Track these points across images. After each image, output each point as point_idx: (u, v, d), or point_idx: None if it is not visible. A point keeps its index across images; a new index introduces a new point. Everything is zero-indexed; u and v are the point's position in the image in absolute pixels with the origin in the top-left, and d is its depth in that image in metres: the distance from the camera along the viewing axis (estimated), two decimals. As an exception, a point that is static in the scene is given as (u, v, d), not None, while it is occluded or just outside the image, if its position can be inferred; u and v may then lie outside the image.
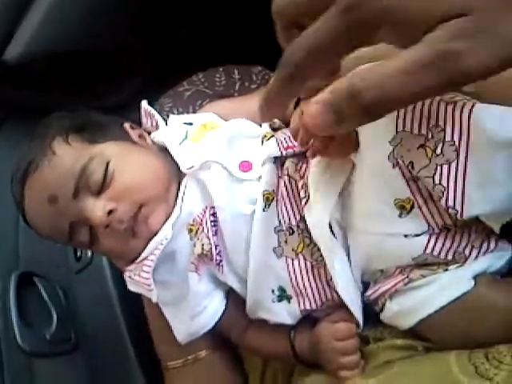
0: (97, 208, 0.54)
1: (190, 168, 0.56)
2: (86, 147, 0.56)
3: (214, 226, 0.55)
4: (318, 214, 0.51)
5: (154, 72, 0.91)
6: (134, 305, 0.69)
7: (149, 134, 0.63)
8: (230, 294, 0.61)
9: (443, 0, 0.27)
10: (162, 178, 0.57)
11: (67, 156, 0.55)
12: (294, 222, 0.54)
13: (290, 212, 0.54)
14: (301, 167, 0.55)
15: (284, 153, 0.55)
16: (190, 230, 0.56)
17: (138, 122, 0.65)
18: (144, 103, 0.64)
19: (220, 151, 0.56)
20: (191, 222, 0.56)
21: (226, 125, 0.60)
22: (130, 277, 0.59)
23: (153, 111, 0.63)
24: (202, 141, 0.58)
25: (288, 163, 0.55)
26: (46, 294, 0.77)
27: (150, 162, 0.58)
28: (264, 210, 0.54)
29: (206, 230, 0.55)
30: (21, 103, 0.89)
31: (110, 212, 0.54)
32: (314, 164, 0.52)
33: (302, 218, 0.53)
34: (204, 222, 0.55)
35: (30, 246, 0.82)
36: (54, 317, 0.76)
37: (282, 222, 0.54)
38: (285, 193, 0.54)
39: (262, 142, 0.57)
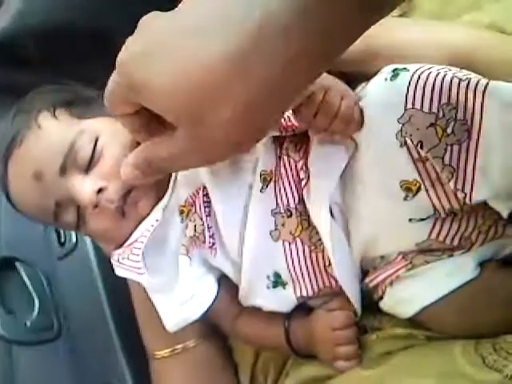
0: (86, 186, 0.51)
1: None
2: (74, 122, 0.54)
3: (208, 206, 0.53)
4: (318, 197, 0.49)
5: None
6: (121, 292, 0.67)
7: None
8: (222, 279, 0.58)
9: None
10: None
11: (54, 130, 0.53)
12: (292, 204, 0.52)
13: (289, 193, 0.52)
14: (300, 147, 0.52)
15: (283, 132, 0.52)
16: (182, 212, 0.54)
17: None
18: None
19: None
20: (183, 203, 0.54)
21: None
22: (118, 260, 0.56)
23: None
24: None
25: (287, 143, 0.53)
26: (28, 280, 0.74)
27: None
28: (261, 191, 0.52)
29: (198, 211, 0.52)
30: (6, 82, 0.85)
31: (100, 191, 0.51)
32: (315, 145, 0.50)
33: (301, 200, 0.51)
34: (197, 203, 0.53)
35: (11, 229, 0.79)
36: (36, 304, 0.73)
37: (280, 203, 0.52)
38: (284, 173, 0.52)
39: None
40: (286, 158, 0.52)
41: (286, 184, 0.52)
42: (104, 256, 0.66)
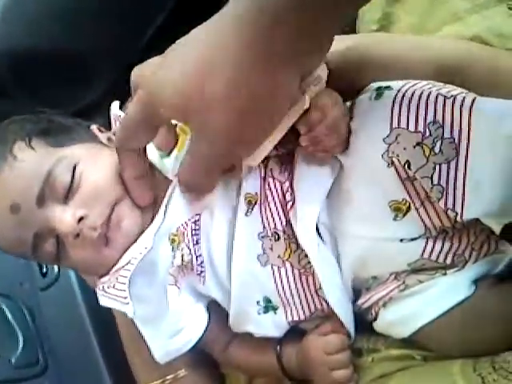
0: (66, 215, 0.49)
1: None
2: (50, 151, 0.52)
3: (196, 234, 0.51)
4: (305, 220, 0.48)
5: (122, 73, 0.87)
6: (107, 322, 0.65)
7: None
8: (211, 306, 0.56)
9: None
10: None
11: (30, 160, 0.51)
12: (279, 227, 0.50)
13: (276, 216, 0.50)
14: (285, 168, 0.51)
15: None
16: (173, 241, 0.52)
17: (107, 127, 0.61)
18: (114, 106, 0.59)
19: None
20: (174, 231, 0.52)
21: None
22: (102, 289, 0.54)
23: (123, 114, 0.59)
24: (183, 149, 0.53)
25: (272, 164, 0.51)
26: (10, 315, 0.71)
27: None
28: (247, 215, 0.50)
29: (186, 240, 0.51)
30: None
31: (81, 219, 0.49)
32: (299, 165, 0.49)
33: (288, 223, 0.50)
34: (186, 232, 0.51)
35: (-9, 263, 0.76)
36: (20, 339, 0.71)
37: (267, 226, 0.50)
38: (269, 195, 0.50)
39: None
40: (271, 180, 0.51)
41: (272, 206, 0.50)
42: (89, 286, 0.64)
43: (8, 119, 0.57)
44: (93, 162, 0.52)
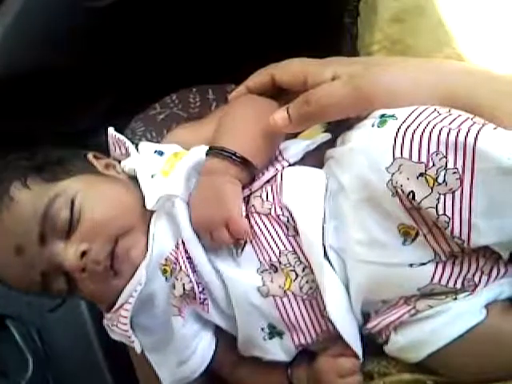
0: (68, 252, 0.49)
1: (154, 206, 0.51)
2: (46, 187, 0.52)
3: (191, 262, 0.51)
4: (309, 236, 0.48)
5: (122, 93, 0.87)
6: (115, 343, 0.64)
7: (119, 162, 0.59)
8: (219, 329, 0.56)
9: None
10: (134, 209, 0.52)
11: (27, 201, 0.51)
12: (274, 258, 0.50)
13: (268, 249, 0.50)
14: (267, 194, 0.51)
15: (242, 193, 0.51)
16: (165, 271, 0.52)
17: (107, 147, 0.61)
18: (111, 130, 0.59)
19: (182, 184, 0.52)
20: (163, 261, 0.52)
21: (188, 154, 0.56)
22: (109, 325, 0.55)
23: (122, 138, 0.58)
24: (171, 173, 0.54)
25: (252, 199, 0.51)
26: (20, 338, 0.71)
27: (120, 192, 0.54)
28: (237, 255, 0.50)
29: (183, 268, 0.50)
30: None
31: (84, 254, 0.49)
32: (285, 186, 0.50)
33: (282, 252, 0.50)
34: (180, 259, 0.51)
35: (-1, 285, 0.76)
36: (30, 361, 0.71)
37: (263, 261, 0.50)
38: (258, 231, 0.50)
39: None
40: (256, 216, 0.51)
41: (264, 241, 0.50)
42: (96, 306, 0.64)
43: (3, 158, 0.57)
44: (91, 195, 0.52)
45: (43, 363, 0.72)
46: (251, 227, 0.50)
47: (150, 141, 0.77)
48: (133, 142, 0.58)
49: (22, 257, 0.50)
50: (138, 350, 0.53)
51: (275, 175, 0.52)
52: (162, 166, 0.54)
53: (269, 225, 0.50)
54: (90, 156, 0.58)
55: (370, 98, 0.46)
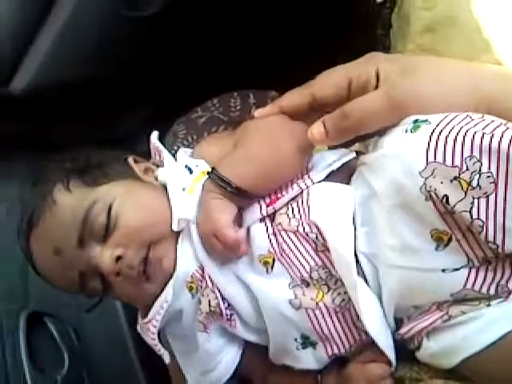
0: (104, 256, 0.52)
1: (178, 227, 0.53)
2: (87, 192, 0.54)
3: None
4: (340, 249, 0.48)
5: (165, 99, 0.89)
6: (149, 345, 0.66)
7: (157, 167, 0.60)
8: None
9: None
10: (167, 219, 0.54)
11: (68, 205, 0.53)
12: (305, 274, 0.50)
13: (299, 265, 0.51)
14: (293, 212, 0.51)
15: (266, 212, 0.51)
16: (191, 288, 0.53)
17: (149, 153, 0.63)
18: (153, 137, 0.60)
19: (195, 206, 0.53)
20: (189, 279, 0.53)
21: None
22: (141, 331, 0.57)
23: (160, 147, 0.60)
24: (196, 192, 0.54)
25: (278, 217, 0.52)
26: (57, 335, 0.74)
27: (155, 201, 0.55)
28: (268, 273, 0.51)
29: (210, 285, 0.52)
30: (25, 137, 0.87)
31: (119, 258, 0.51)
32: (312, 201, 0.50)
33: (313, 268, 0.50)
34: (206, 277, 0.52)
35: (39, 283, 0.79)
36: (66, 358, 0.73)
37: (295, 276, 0.51)
38: (287, 249, 0.51)
39: None
40: (283, 233, 0.51)
41: (294, 258, 0.51)
42: (131, 306, 0.66)
43: (48, 160, 0.60)
44: (128, 201, 0.54)
45: (79, 360, 0.74)
46: (279, 245, 0.51)
47: (190, 144, 0.78)
48: (174, 145, 0.60)
49: (60, 257, 0.53)
50: (167, 361, 0.55)
51: (301, 193, 0.52)
52: (190, 184, 0.55)
53: (297, 242, 0.51)
54: (130, 160, 0.60)
55: (406, 107, 0.46)
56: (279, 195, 0.52)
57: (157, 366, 0.65)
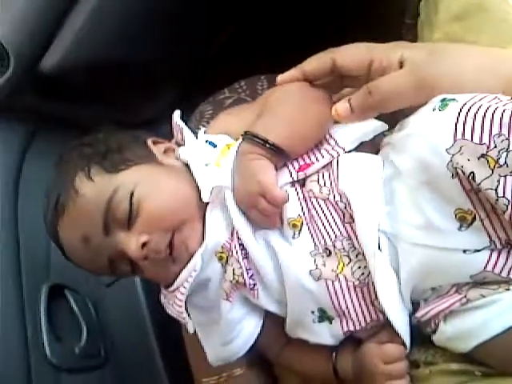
0: (130, 243, 0.52)
1: (208, 197, 0.53)
2: (108, 179, 0.54)
3: (243, 248, 0.53)
4: (365, 224, 0.49)
5: (192, 80, 0.90)
6: (166, 319, 0.66)
7: (179, 146, 0.61)
8: (267, 312, 0.57)
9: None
10: (190, 200, 0.54)
11: (91, 193, 0.54)
12: (329, 243, 0.51)
13: (324, 233, 0.51)
14: (324, 180, 0.52)
15: (296, 177, 0.52)
16: (221, 258, 0.54)
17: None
18: (175, 115, 0.61)
19: (229, 175, 0.53)
20: (220, 249, 0.54)
21: (235, 145, 0.57)
22: (165, 302, 0.58)
23: (182, 125, 0.60)
24: (222, 165, 0.55)
25: (309, 184, 0.52)
26: (76, 308, 0.75)
27: (177, 184, 0.55)
28: (294, 238, 0.52)
29: (235, 254, 0.52)
30: (51, 115, 0.88)
31: (145, 244, 0.52)
32: (341, 171, 0.51)
33: (338, 237, 0.51)
34: (233, 246, 0.53)
35: (61, 257, 0.81)
36: (84, 331, 0.74)
37: (318, 244, 0.51)
38: (315, 215, 0.51)
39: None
40: (313, 200, 0.52)
41: (320, 225, 0.51)
42: (149, 283, 0.67)
43: (67, 147, 0.60)
44: (149, 187, 0.54)
45: (97, 333, 0.75)
46: (309, 211, 0.51)
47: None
48: (200, 125, 0.60)
49: (88, 245, 0.54)
50: (191, 330, 0.56)
51: (331, 162, 0.52)
52: (215, 158, 0.56)
53: (326, 210, 0.51)
54: (150, 142, 0.60)
55: (433, 86, 0.46)
56: (308, 161, 0.52)
57: (172, 341, 0.66)
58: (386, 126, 0.53)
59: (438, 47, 0.50)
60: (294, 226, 0.52)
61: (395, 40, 0.53)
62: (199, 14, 0.85)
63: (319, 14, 0.86)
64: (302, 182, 0.53)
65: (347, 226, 0.51)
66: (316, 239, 0.51)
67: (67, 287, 0.77)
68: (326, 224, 0.51)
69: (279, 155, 0.51)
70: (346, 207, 0.50)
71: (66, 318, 0.74)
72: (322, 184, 0.52)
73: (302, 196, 0.52)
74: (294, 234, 0.52)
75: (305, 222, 0.52)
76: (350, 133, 0.53)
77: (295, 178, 0.52)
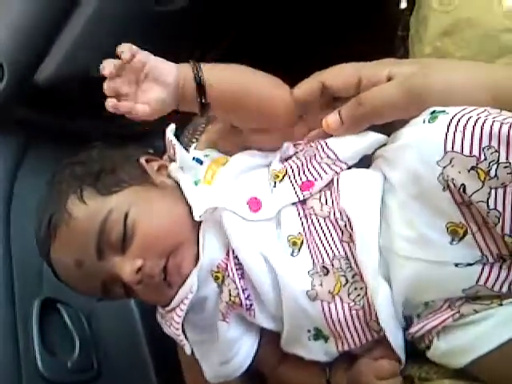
0: (124, 268, 0.52)
1: (201, 216, 0.53)
2: (101, 202, 0.54)
3: (240, 268, 0.52)
4: (365, 241, 0.48)
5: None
6: (159, 332, 0.66)
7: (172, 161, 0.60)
8: (263, 328, 0.57)
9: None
10: (184, 220, 0.54)
11: (83, 217, 0.53)
12: (327, 261, 0.50)
13: (323, 251, 0.51)
14: (326, 198, 0.52)
15: (301, 197, 0.52)
16: (216, 278, 0.54)
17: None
18: (168, 130, 0.60)
19: (227, 194, 0.53)
20: (215, 269, 0.53)
21: (232, 161, 0.57)
22: (162, 322, 0.58)
23: (174, 140, 0.59)
24: (214, 182, 0.55)
25: (310, 202, 0.52)
26: (69, 321, 0.74)
27: (170, 206, 0.55)
28: (293, 255, 0.51)
29: (231, 275, 0.52)
30: (45, 127, 0.88)
31: (140, 269, 0.51)
32: (342, 189, 0.51)
33: (336, 256, 0.50)
34: (229, 267, 0.52)
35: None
36: (77, 345, 0.73)
37: (317, 263, 0.51)
38: (314, 233, 0.51)
39: (275, 183, 0.54)
40: (314, 217, 0.52)
41: (319, 243, 0.51)
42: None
43: (60, 165, 0.59)
44: (143, 211, 0.53)
45: (89, 347, 0.74)
46: (309, 228, 0.51)
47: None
48: (193, 138, 0.60)
49: (81, 268, 0.53)
50: (188, 352, 0.55)
51: (333, 179, 0.52)
52: (203, 175, 0.56)
53: (325, 228, 0.51)
54: (143, 160, 0.59)
55: (424, 98, 0.46)
56: (311, 178, 0.52)
57: (167, 354, 0.65)
58: (386, 138, 0.53)
59: (427, 62, 0.50)
60: (294, 243, 0.52)
61: (389, 52, 0.54)
62: (199, 20, 0.85)
63: (317, 21, 0.86)
64: (304, 200, 0.53)
65: (345, 245, 0.50)
66: (315, 257, 0.51)
67: (60, 301, 0.76)
68: (325, 242, 0.51)
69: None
70: (346, 225, 0.50)
71: (58, 332, 0.73)
72: (324, 202, 0.52)
73: (302, 213, 0.52)
74: (293, 252, 0.52)
75: (305, 240, 0.51)
76: (350, 145, 0.53)
77: (301, 198, 0.52)
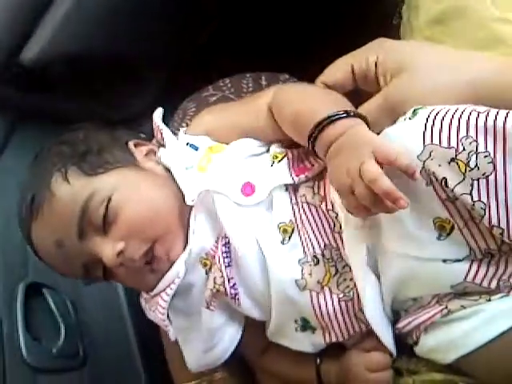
0: (105, 250, 0.50)
1: (193, 200, 0.52)
2: (85, 182, 0.52)
3: (227, 257, 0.51)
4: (353, 236, 0.48)
5: (173, 78, 0.89)
6: (146, 319, 0.66)
7: (160, 146, 0.59)
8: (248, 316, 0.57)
9: None
10: (172, 208, 0.53)
11: (67, 196, 0.52)
12: (318, 251, 0.50)
13: (314, 240, 0.50)
14: (319, 188, 0.51)
15: (296, 180, 0.52)
16: (205, 264, 0.53)
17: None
18: (155, 115, 0.59)
19: (221, 179, 0.52)
20: (204, 255, 0.53)
21: (229, 148, 0.56)
22: (146, 307, 0.57)
23: (161, 125, 0.58)
24: (208, 169, 0.54)
25: (303, 189, 0.52)
26: (54, 307, 0.73)
27: (157, 192, 0.53)
28: (283, 243, 0.51)
29: (217, 263, 0.51)
30: (32, 108, 0.86)
31: (121, 252, 0.50)
32: None
33: (327, 245, 0.50)
34: (216, 255, 0.52)
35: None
36: (62, 330, 0.72)
37: (307, 252, 0.50)
38: (306, 221, 0.51)
39: (273, 162, 0.54)
40: (305, 205, 0.51)
41: (310, 232, 0.51)
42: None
43: (46, 143, 0.58)
44: (128, 193, 0.52)
45: (75, 332, 0.73)
46: (300, 216, 0.51)
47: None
48: (183, 123, 0.59)
49: (62, 249, 0.52)
50: (172, 338, 0.55)
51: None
52: (197, 162, 0.55)
53: (317, 217, 0.51)
54: (131, 144, 0.58)
55: (404, 109, 0.46)
56: (308, 165, 0.52)
57: (153, 341, 0.65)
58: None
59: (410, 58, 0.49)
60: (285, 231, 0.51)
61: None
62: (184, 5, 0.84)
63: (313, 15, 0.85)
64: (296, 187, 0.52)
65: (336, 235, 0.50)
66: (305, 246, 0.51)
67: (45, 285, 0.75)
68: (316, 231, 0.51)
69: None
70: (336, 217, 0.50)
71: (43, 318, 0.73)
72: (316, 191, 0.51)
73: (294, 200, 0.52)
74: (284, 240, 0.51)
75: (296, 228, 0.51)
76: None
77: (296, 182, 0.52)
